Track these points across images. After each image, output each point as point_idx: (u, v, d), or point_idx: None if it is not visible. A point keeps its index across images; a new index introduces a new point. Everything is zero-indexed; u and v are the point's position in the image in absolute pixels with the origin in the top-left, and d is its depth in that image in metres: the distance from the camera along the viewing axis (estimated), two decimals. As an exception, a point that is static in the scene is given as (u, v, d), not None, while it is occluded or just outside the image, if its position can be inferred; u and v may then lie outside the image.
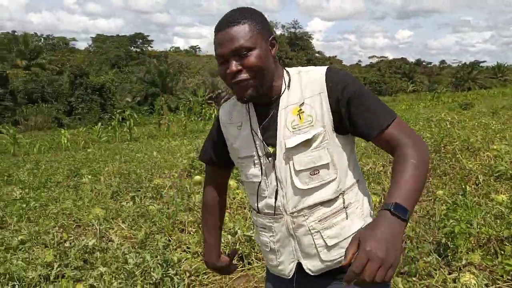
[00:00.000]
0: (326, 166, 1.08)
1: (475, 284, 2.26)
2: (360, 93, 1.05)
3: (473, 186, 4.08)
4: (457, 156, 5.05)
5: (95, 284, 2.60)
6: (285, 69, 1.15)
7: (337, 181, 1.10)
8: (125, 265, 2.70)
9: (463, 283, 2.27)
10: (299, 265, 1.16)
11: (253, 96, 1.07)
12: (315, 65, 13.64)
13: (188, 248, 3.19)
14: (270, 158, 1.12)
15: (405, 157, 0.95)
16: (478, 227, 2.70)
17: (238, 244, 3.04)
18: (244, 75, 1.04)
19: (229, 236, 3.09)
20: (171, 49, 68.92)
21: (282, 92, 1.12)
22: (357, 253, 0.78)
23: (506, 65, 52.46)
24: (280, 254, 1.18)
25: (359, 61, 77.75)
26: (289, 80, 1.13)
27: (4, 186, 6.39)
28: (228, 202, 3.62)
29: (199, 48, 73.71)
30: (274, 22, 50.74)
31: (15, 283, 2.64)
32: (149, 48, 52.85)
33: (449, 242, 2.67)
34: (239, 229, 3.12)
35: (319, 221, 1.10)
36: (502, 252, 2.54)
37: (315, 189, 1.09)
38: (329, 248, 1.11)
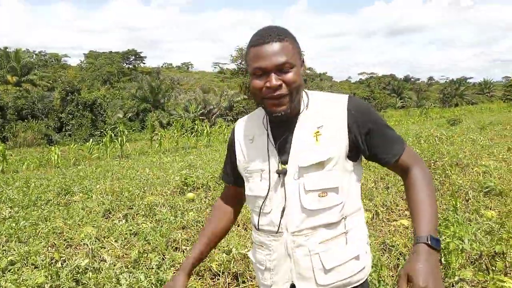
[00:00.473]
0: (335, 189, 1.11)
1: (468, 301, 2.28)
2: (380, 124, 1.14)
3: (463, 201, 4.14)
4: (447, 172, 5.13)
5: (87, 305, 2.56)
6: (304, 90, 1.17)
7: (342, 206, 1.12)
8: (117, 285, 2.67)
9: (456, 300, 2.29)
10: (292, 287, 1.16)
11: (287, 112, 1.09)
12: (305, 81, 13.76)
13: (182, 267, 3.16)
14: (280, 175, 1.13)
15: (416, 179, 1.13)
16: (469, 243, 2.74)
17: (232, 262, 3.02)
18: (284, 90, 1.07)
19: (224, 255, 3.08)
20: (164, 66, 69.38)
21: (300, 111, 1.15)
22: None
23: (492, 81, 53.75)
24: (275, 274, 1.17)
25: (349, 77, 78.83)
26: (308, 100, 1.17)
27: (-7, 204, 6.26)
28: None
29: (191, 64, 74.59)
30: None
31: (5, 305, 2.58)
32: (142, 65, 53.09)
33: (442, 259, 2.69)
34: (233, 247, 3.11)
35: (319, 243, 1.11)
36: (494, 268, 2.58)
37: (321, 211, 1.11)
38: (326, 271, 1.12)
